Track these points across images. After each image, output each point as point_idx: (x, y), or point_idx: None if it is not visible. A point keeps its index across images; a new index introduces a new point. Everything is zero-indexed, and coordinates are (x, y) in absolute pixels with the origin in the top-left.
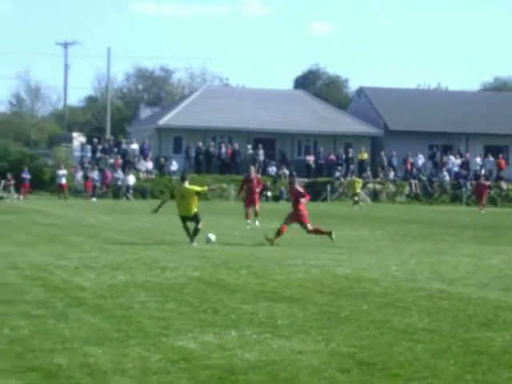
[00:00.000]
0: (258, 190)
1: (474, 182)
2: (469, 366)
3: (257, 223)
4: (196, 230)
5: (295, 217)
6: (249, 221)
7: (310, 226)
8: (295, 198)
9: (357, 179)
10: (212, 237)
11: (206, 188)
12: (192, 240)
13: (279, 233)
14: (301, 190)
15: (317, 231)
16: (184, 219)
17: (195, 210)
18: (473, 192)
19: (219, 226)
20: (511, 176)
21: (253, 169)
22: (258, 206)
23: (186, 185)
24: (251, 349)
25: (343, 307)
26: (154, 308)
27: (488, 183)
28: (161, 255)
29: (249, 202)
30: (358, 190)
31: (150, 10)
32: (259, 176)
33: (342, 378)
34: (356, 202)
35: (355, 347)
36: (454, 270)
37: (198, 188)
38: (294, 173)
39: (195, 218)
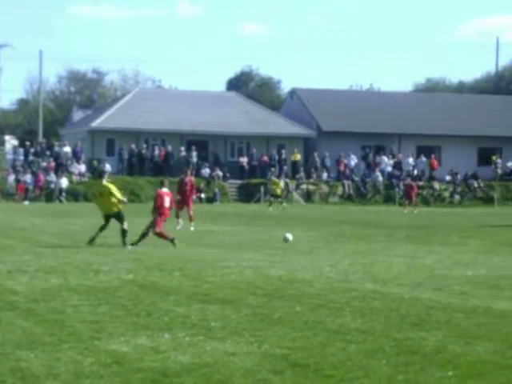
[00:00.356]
0: (193, 194)
1: (405, 183)
2: (401, 366)
3: (192, 228)
4: (123, 232)
5: (162, 216)
6: (180, 220)
7: (158, 230)
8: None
9: (275, 180)
10: (289, 236)
11: (120, 197)
12: (124, 243)
13: (165, 237)
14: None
15: (161, 235)
16: (107, 217)
17: (117, 207)
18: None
19: None
20: (443, 176)
21: (189, 172)
22: (191, 211)
23: (104, 182)
24: (184, 351)
25: (276, 309)
26: (86, 311)
27: (415, 183)
28: (94, 258)
29: (181, 203)
30: (279, 192)
31: (86, 13)
32: (193, 179)
33: (275, 379)
34: (270, 204)
35: (288, 349)
36: (387, 271)
37: (114, 189)
38: (228, 174)
39: (118, 217)
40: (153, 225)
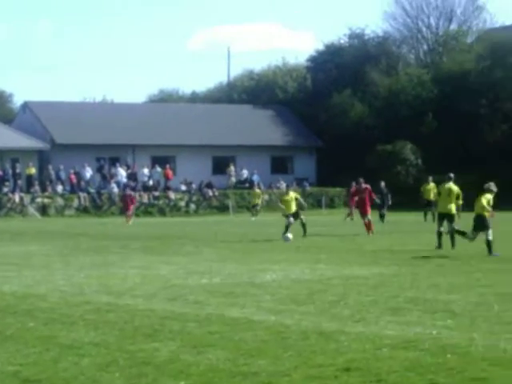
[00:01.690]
0: None
1: (124, 193)
2: (134, 378)
3: None
4: None
5: None
6: None
7: None
8: None
9: None
10: (290, 236)
11: None
12: None
13: None
14: None
15: None
16: None
17: None
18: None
19: None
20: (179, 185)
21: None
22: None
23: None
24: None
25: (9, 325)
26: None
27: (134, 194)
28: None
29: None
30: None
31: None
32: None
33: None
34: None
35: (20, 365)
36: (122, 282)
37: None
38: None
39: None
40: None
